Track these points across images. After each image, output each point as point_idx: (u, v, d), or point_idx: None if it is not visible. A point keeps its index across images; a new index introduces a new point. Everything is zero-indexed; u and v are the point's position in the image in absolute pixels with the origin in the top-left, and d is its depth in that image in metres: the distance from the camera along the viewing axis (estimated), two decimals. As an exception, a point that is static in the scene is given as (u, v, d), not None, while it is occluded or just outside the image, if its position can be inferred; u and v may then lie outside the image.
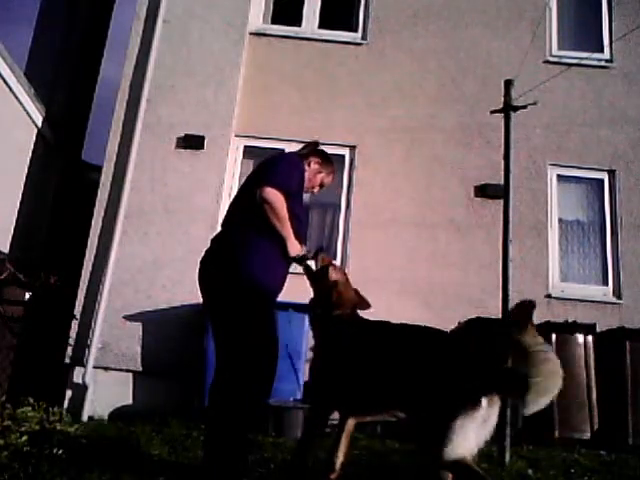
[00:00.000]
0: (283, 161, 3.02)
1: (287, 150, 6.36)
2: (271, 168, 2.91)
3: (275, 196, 2.74)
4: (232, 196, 6.49)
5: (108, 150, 6.11)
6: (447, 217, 6.18)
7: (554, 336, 5.05)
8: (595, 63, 6.66)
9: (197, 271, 2.92)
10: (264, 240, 2.79)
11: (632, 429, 4.87)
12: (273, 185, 2.76)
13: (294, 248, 2.81)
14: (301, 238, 2.92)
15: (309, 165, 3.09)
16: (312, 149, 3.19)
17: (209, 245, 3.00)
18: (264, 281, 2.77)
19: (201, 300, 5.65)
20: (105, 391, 5.46)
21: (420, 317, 5.88)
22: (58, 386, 5.34)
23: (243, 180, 6.44)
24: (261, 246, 2.79)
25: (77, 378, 5.48)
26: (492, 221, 5.84)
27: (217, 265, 2.84)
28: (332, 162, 3.23)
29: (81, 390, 5.41)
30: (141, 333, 5.61)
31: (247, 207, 2.86)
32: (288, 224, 2.78)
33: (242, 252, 2.77)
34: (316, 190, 3.19)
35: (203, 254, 2.96)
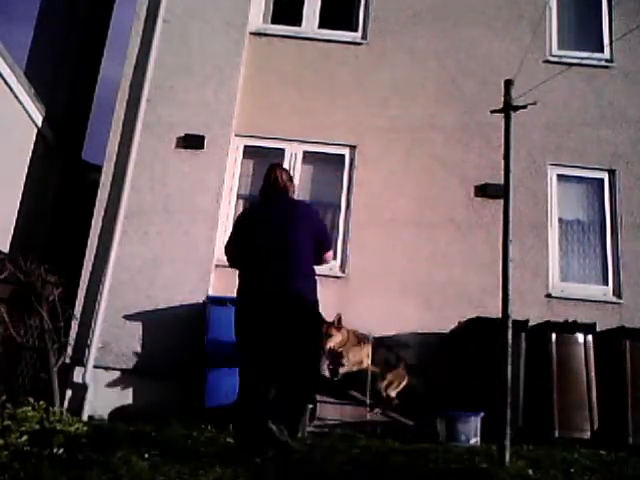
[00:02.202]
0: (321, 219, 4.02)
1: (287, 150, 6.39)
2: (324, 229, 3.85)
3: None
4: (232, 197, 6.45)
5: (108, 150, 6.11)
6: (447, 217, 6.18)
7: (554, 336, 5.05)
8: (595, 63, 6.66)
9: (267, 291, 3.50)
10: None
11: (632, 429, 4.87)
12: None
13: None
14: None
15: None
16: (288, 176, 3.84)
17: (272, 269, 3.51)
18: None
19: (200, 299, 5.68)
20: (105, 391, 5.47)
21: (420, 317, 5.92)
22: (58, 386, 5.33)
23: (243, 180, 6.42)
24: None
25: (77, 378, 5.48)
26: (492, 221, 5.84)
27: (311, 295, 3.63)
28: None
29: (81, 390, 5.42)
30: (141, 333, 5.61)
31: (308, 252, 3.61)
32: None
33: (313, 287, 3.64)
34: None
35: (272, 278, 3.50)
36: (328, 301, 5.75)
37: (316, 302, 3.62)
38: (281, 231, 3.54)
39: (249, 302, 3.52)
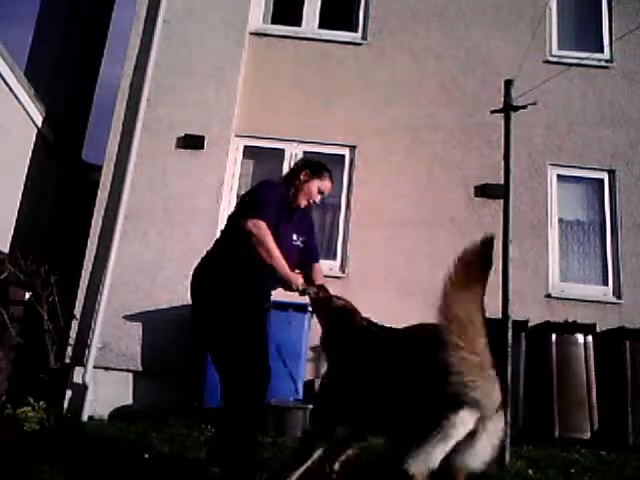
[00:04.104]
0: (260, 188, 3.11)
1: (287, 150, 6.39)
2: (252, 198, 3.01)
3: (258, 227, 2.80)
4: (232, 197, 6.51)
5: (108, 150, 6.11)
6: (447, 217, 6.18)
7: (554, 336, 5.04)
8: (595, 63, 6.66)
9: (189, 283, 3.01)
10: (240, 267, 2.89)
11: (632, 429, 4.87)
12: (251, 215, 2.83)
13: (290, 279, 2.83)
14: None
15: (299, 180, 3.14)
16: (299, 165, 3.26)
17: (199, 261, 3.07)
18: (238, 302, 2.87)
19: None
20: (105, 391, 5.46)
21: (420, 317, 5.88)
22: (58, 386, 5.34)
23: (243, 180, 6.42)
24: (235, 272, 2.90)
25: (77, 378, 5.48)
26: (492, 221, 5.83)
27: (201, 284, 2.98)
28: (323, 168, 3.24)
29: (81, 390, 5.41)
30: (141, 333, 5.60)
31: (229, 235, 3.00)
32: (277, 254, 2.81)
33: (218, 276, 2.93)
34: (318, 199, 3.21)
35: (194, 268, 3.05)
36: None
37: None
38: None
39: None
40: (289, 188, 3.12)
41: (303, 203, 3.13)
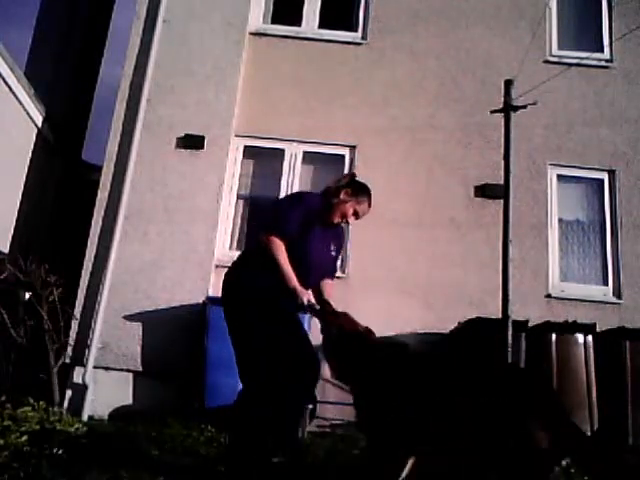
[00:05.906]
0: (284, 202, 3.31)
1: (287, 150, 6.39)
2: (277, 213, 3.12)
3: (272, 243, 2.93)
4: (232, 197, 6.52)
5: (108, 150, 6.11)
6: (447, 217, 6.17)
7: (554, 336, 5.04)
8: (595, 63, 6.65)
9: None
10: (261, 268, 2.97)
11: (632, 429, 4.87)
12: (269, 232, 2.97)
13: (297, 293, 2.88)
14: (306, 277, 2.99)
15: (338, 197, 3.17)
16: (346, 181, 3.29)
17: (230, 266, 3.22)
18: (259, 297, 2.94)
19: (200, 300, 5.69)
20: (105, 391, 5.46)
21: (420, 317, 5.91)
22: (58, 386, 5.33)
23: (243, 180, 6.43)
24: (255, 272, 3.01)
25: (77, 378, 5.48)
26: (492, 221, 5.84)
27: (226, 286, 3.09)
28: (365, 191, 3.25)
29: (81, 390, 5.42)
30: (141, 333, 5.60)
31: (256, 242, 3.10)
32: (286, 268, 2.89)
33: (241, 276, 3.06)
34: (351, 220, 3.22)
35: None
36: (328, 301, 5.76)
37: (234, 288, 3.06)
38: None
39: None
40: (327, 200, 3.16)
41: (336, 220, 3.16)
